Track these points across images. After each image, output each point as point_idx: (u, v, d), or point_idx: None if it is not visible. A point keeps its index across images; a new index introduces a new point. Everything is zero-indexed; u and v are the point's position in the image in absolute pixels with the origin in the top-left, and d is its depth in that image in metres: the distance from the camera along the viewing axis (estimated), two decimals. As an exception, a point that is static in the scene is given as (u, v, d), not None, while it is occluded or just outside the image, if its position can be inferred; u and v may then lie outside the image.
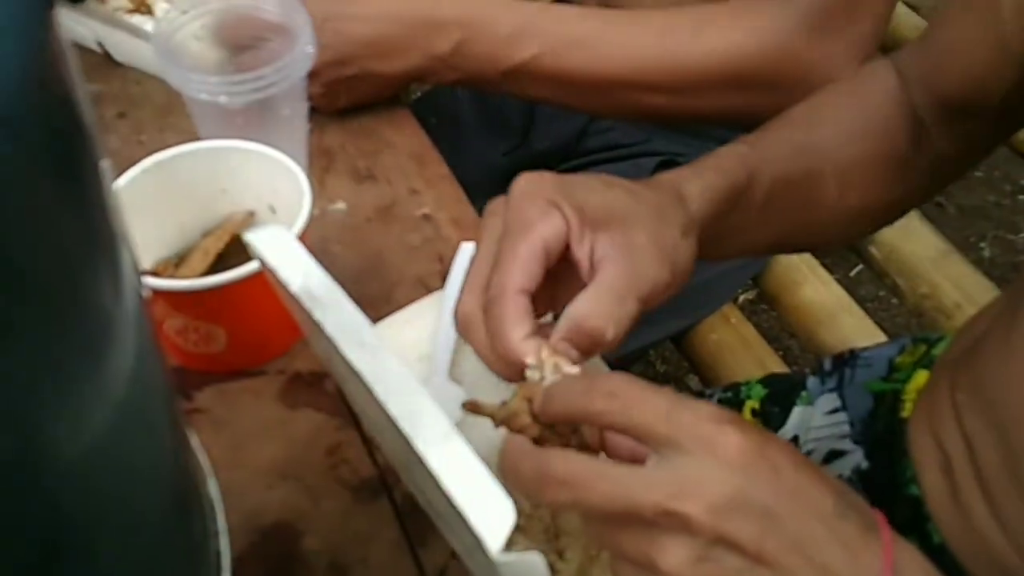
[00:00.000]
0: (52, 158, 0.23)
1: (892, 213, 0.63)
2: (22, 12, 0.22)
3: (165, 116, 0.69)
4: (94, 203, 0.26)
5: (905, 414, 0.60)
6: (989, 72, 0.51)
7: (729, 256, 0.56)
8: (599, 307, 0.41)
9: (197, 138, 0.62)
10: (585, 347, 0.41)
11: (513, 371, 0.42)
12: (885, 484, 0.57)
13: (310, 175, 0.65)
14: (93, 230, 0.26)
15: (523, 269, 0.42)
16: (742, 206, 0.52)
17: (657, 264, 0.43)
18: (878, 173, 0.59)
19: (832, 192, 0.57)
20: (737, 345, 0.91)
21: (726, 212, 0.51)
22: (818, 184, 0.57)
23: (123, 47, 0.72)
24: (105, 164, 0.27)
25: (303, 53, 0.59)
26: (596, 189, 0.46)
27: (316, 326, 0.46)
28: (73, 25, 0.71)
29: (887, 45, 0.91)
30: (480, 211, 0.74)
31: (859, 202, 0.58)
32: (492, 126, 1.01)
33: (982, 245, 1.64)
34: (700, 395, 0.81)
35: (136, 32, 0.70)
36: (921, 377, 0.63)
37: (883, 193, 0.59)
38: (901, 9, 0.98)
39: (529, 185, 0.45)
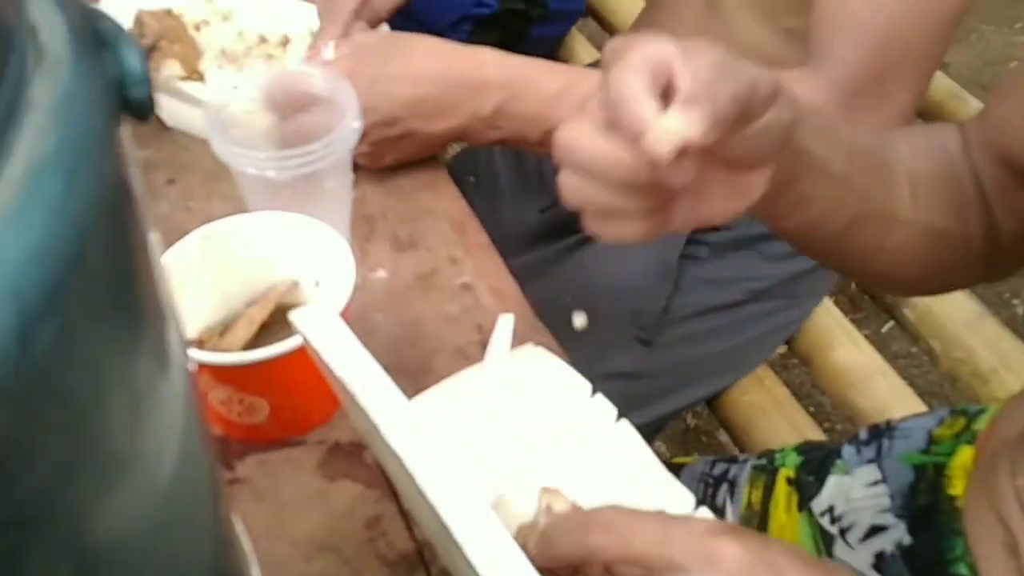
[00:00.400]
0: (111, 261, 0.24)
1: (957, 263, 0.60)
2: (97, 136, 0.24)
3: (213, 183, 0.71)
4: (145, 287, 0.27)
5: (953, 492, 0.60)
6: None
7: (815, 211, 0.52)
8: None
9: (244, 205, 0.64)
10: (701, 97, 0.39)
11: (641, 155, 0.40)
12: (929, 561, 0.57)
13: (352, 245, 0.67)
14: (143, 315, 0.27)
15: (637, 68, 0.41)
16: (828, 137, 0.50)
17: (741, 69, 0.42)
18: (944, 194, 0.58)
19: (905, 192, 0.56)
20: (770, 407, 0.91)
21: (812, 131, 0.49)
22: (892, 175, 0.55)
23: (174, 113, 0.74)
24: (154, 238, 0.28)
25: (349, 128, 0.61)
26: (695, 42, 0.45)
27: (358, 407, 0.47)
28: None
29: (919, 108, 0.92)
30: (516, 267, 0.76)
31: (926, 216, 0.57)
32: (528, 184, 1.02)
33: (1015, 302, 1.62)
34: (733, 460, 0.81)
35: (188, 99, 0.72)
36: (966, 454, 0.62)
37: (949, 223, 0.58)
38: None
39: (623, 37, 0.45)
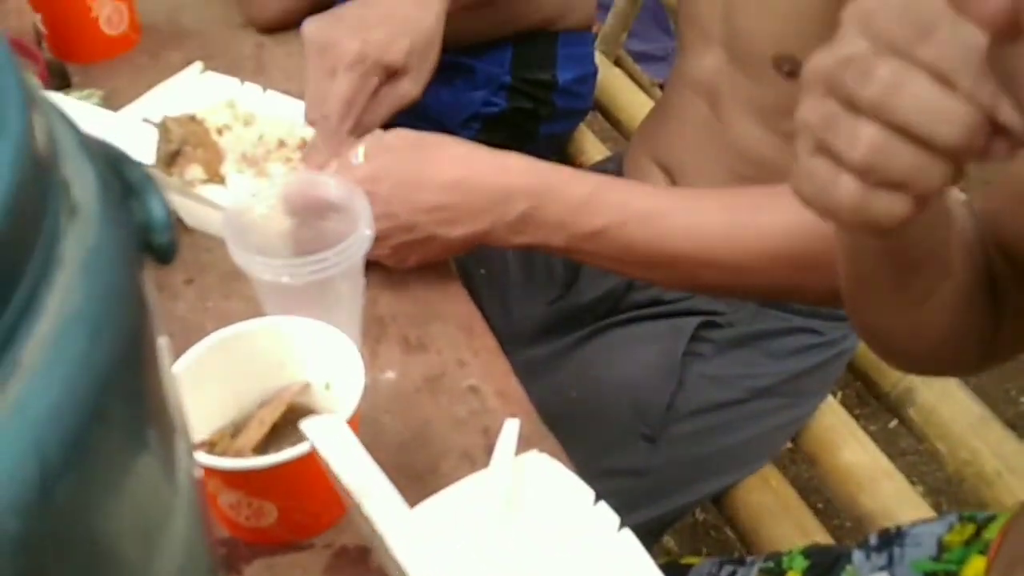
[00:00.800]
0: (130, 405, 0.25)
1: (969, 334, 0.60)
2: (122, 289, 0.26)
3: (231, 282, 0.73)
4: (161, 416, 0.28)
5: None
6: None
7: (923, 222, 0.48)
8: None
9: (260, 306, 0.66)
10: None
11: None
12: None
13: (363, 347, 0.68)
14: (159, 446, 0.27)
15: None
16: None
17: None
18: (976, 261, 0.59)
19: (959, 246, 0.57)
20: (777, 509, 0.91)
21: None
22: (952, 227, 0.56)
23: (195, 214, 0.77)
24: (163, 342, 0.29)
25: (362, 236, 0.63)
26: None
27: (365, 516, 0.48)
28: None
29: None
30: (523, 361, 0.77)
31: (967, 274, 0.57)
32: (537, 277, 1.04)
33: (1022, 399, 1.62)
34: (740, 561, 0.80)
35: (208, 202, 0.75)
36: (978, 563, 0.62)
37: (976, 282, 0.58)
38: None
39: None
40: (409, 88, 0.80)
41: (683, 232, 0.70)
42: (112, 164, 0.29)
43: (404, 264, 0.73)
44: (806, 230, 0.68)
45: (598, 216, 0.70)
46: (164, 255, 0.28)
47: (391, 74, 0.78)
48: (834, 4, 0.68)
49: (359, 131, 0.78)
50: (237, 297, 0.72)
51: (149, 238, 0.28)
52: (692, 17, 0.84)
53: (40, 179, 0.23)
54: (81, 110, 0.74)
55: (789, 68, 0.74)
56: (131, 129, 0.74)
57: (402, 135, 0.74)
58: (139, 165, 0.30)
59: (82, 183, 0.26)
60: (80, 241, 0.25)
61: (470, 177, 0.70)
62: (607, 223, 0.70)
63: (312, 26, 0.77)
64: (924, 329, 0.58)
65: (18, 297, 0.21)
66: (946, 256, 0.54)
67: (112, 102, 0.85)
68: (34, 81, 0.82)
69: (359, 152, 0.71)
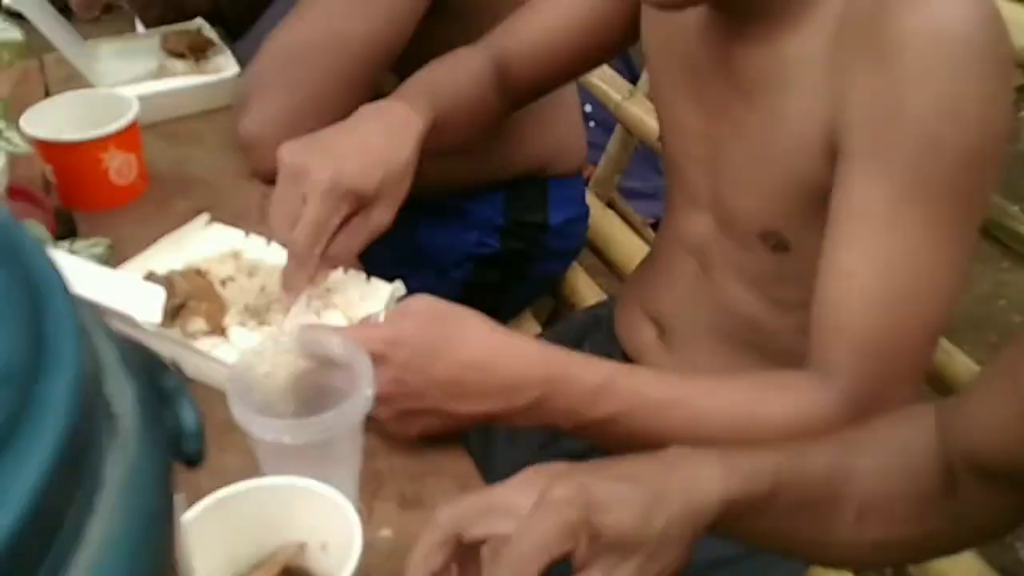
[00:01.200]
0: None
1: (915, 552, 0.64)
2: (158, 511, 0.26)
3: (227, 434, 0.73)
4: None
5: None
6: (1020, 446, 0.53)
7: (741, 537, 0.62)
8: None
9: (256, 460, 0.66)
10: None
11: None
12: None
13: (360, 503, 0.68)
14: None
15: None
16: (758, 511, 0.58)
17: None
18: (901, 510, 0.61)
19: (848, 519, 0.60)
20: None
21: (743, 512, 0.58)
22: (835, 510, 0.60)
23: (194, 364, 0.78)
24: (179, 499, 0.29)
25: (363, 396, 0.64)
26: (619, 509, 0.55)
27: None
28: (150, 344, 0.77)
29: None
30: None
31: (876, 534, 0.61)
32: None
33: (1018, 545, 1.62)
34: None
35: (207, 356, 0.76)
36: None
37: (903, 529, 0.61)
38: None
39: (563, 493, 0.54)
40: (381, 217, 0.82)
41: (688, 423, 0.71)
42: (147, 373, 0.30)
43: (407, 432, 0.73)
44: (803, 425, 0.70)
45: (608, 405, 0.71)
46: (193, 461, 0.29)
47: (363, 203, 0.81)
48: (817, 187, 0.72)
49: (332, 261, 0.80)
50: (233, 450, 0.72)
51: (179, 445, 0.29)
52: (680, 182, 0.87)
53: (89, 405, 0.25)
54: (90, 269, 0.76)
55: (775, 243, 0.77)
56: (137, 287, 0.76)
57: (426, 303, 0.74)
58: (172, 373, 0.31)
59: (121, 398, 0.28)
60: (120, 460, 0.26)
61: (487, 361, 0.71)
62: (616, 412, 0.71)
63: (287, 151, 0.80)
64: (849, 564, 0.65)
65: (64, 533, 0.22)
66: (811, 539, 0.62)
67: (118, 251, 0.87)
68: (45, 232, 0.85)
69: (380, 314, 0.73)
